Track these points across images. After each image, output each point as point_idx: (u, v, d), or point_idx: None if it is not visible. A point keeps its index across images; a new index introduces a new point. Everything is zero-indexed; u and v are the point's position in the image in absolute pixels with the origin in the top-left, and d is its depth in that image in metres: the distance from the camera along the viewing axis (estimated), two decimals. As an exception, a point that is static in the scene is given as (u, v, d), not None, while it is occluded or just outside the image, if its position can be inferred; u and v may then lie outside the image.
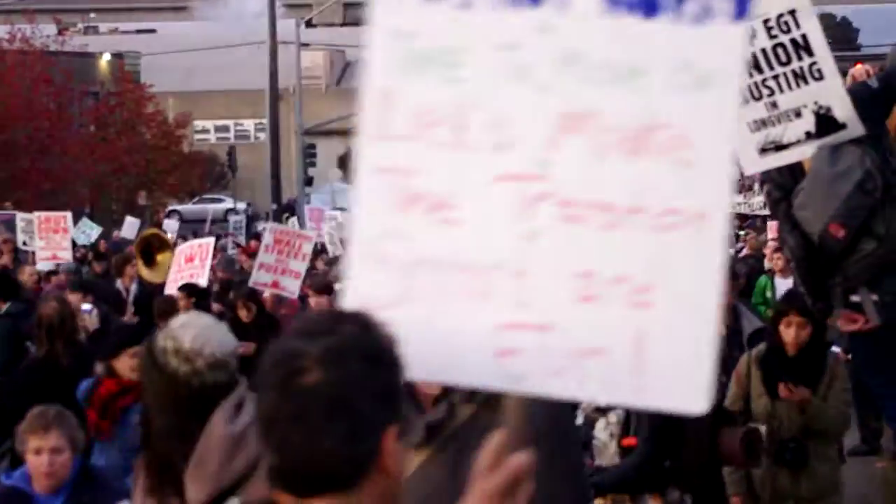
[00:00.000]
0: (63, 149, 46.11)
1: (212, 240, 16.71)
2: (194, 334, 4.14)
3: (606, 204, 2.53)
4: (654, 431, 6.55)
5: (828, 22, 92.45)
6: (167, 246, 17.93)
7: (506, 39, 2.55)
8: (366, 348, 2.27)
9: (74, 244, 26.25)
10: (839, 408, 7.68)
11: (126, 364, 7.54)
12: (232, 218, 34.17)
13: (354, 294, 2.57)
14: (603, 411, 6.62)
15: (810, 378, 7.59)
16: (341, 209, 36.73)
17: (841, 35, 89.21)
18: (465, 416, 3.30)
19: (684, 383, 2.52)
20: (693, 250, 2.51)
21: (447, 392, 3.08)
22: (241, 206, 61.72)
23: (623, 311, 2.52)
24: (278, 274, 14.72)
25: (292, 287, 14.78)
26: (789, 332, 7.55)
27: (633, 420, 6.63)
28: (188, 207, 59.33)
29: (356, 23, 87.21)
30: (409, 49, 2.58)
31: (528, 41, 2.54)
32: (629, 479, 6.65)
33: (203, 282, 14.27)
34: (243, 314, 12.71)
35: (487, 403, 3.08)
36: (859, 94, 6.71)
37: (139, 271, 16.76)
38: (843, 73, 6.71)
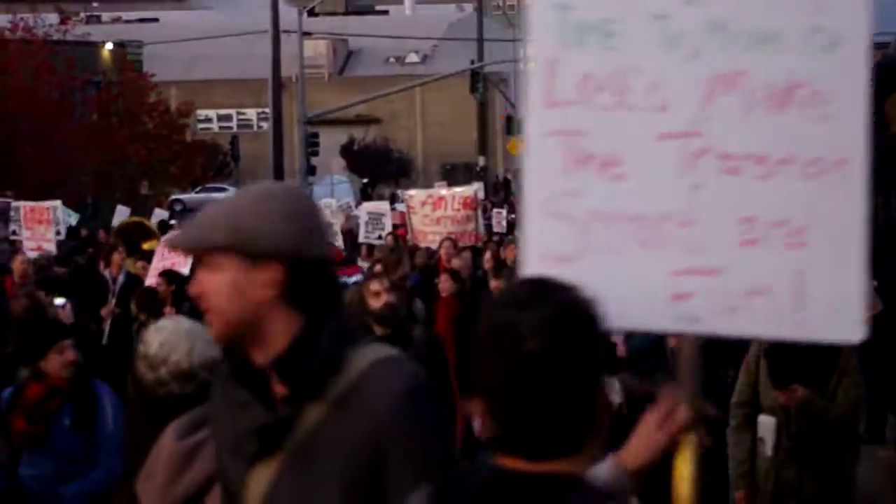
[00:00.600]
0: (65, 138, 46.02)
1: None
2: (162, 340, 3.92)
3: (760, 156, 2.82)
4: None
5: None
6: (151, 234, 17.42)
7: (657, 10, 2.81)
8: (576, 313, 2.37)
9: (76, 232, 26.19)
10: (845, 405, 7.33)
11: (55, 362, 6.79)
12: None
13: (536, 250, 2.80)
14: None
15: (820, 372, 7.27)
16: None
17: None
18: (315, 419, 2.76)
19: (841, 316, 2.82)
20: (839, 193, 2.84)
21: (297, 389, 2.84)
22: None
23: (782, 252, 2.80)
24: None
25: None
26: None
27: None
28: (191, 196, 59.29)
29: (358, 11, 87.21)
30: (569, 20, 2.81)
31: (677, 12, 2.80)
32: None
33: (185, 270, 13.93)
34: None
35: (341, 403, 2.73)
36: None
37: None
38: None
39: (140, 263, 15.73)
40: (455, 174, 70.53)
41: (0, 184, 37.76)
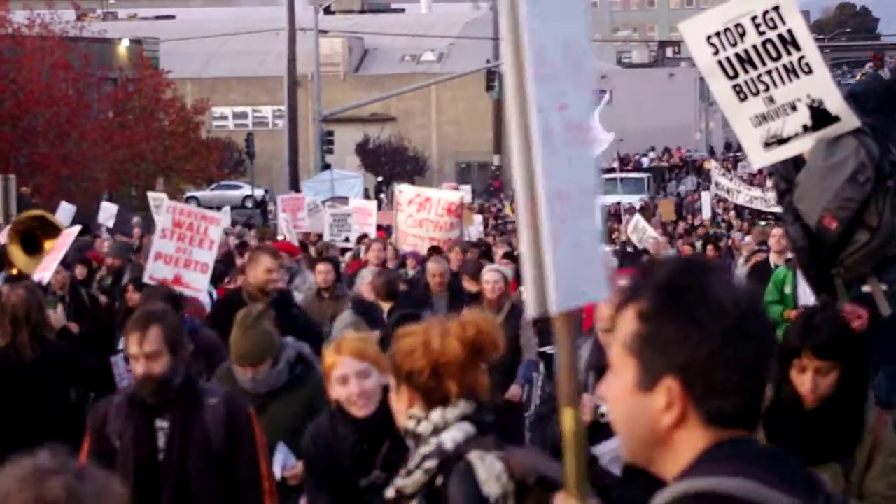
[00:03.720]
0: (82, 135, 46.12)
1: (76, 228, 14.05)
2: None
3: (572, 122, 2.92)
4: None
5: (847, 11, 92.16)
6: (55, 231, 14.19)
7: None
8: None
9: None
10: (885, 496, 5.18)
11: None
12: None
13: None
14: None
15: (840, 447, 5.19)
16: (340, 198, 34.98)
17: (860, 24, 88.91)
18: None
19: (596, 277, 2.85)
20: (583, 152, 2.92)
21: None
22: (259, 192, 61.80)
23: (563, 225, 2.79)
24: (180, 267, 11.57)
25: (198, 283, 11.56)
26: (804, 381, 5.19)
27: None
28: (206, 194, 59.39)
29: (374, 10, 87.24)
30: None
31: None
32: None
33: (45, 277, 11.81)
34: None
35: None
36: (870, 86, 6.78)
37: (15, 260, 13.59)
38: (863, 63, 6.82)
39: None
40: (470, 173, 70.53)
41: (17, 180, 37.76)
